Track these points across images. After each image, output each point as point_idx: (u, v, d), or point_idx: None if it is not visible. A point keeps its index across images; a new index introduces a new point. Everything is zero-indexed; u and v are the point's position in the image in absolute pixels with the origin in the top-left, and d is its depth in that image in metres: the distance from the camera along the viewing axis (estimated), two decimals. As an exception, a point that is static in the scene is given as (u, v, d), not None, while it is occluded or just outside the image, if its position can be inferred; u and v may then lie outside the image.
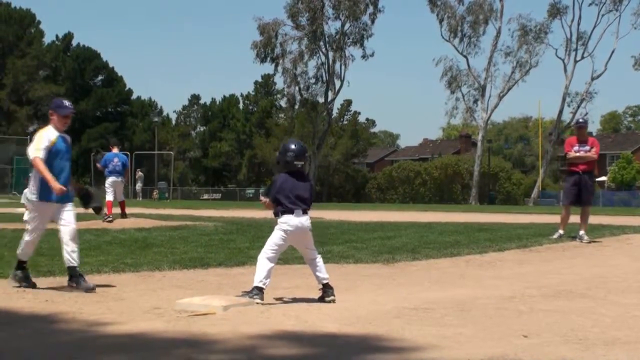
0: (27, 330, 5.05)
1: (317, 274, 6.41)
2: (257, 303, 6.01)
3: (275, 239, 6.30)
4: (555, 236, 12.59)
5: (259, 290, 6.14)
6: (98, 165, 17.17)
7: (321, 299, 6.33)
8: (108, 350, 4.42)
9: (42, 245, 10.76)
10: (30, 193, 7.22)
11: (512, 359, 4.18)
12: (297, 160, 6.39)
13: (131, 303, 6.17)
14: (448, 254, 10.37)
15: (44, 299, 6.36)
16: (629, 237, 13.39)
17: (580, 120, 13.26)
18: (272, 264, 6.28)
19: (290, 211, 6.26)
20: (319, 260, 6.46)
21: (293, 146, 6.47)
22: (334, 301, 6.28)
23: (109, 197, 16.81)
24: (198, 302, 5.88)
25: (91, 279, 7.54)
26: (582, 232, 12.50)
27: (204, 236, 12.70)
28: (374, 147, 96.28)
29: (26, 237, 7.14)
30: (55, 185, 6.70)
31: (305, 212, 6.33)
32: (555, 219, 22.76)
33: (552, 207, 46.75)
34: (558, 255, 10.83)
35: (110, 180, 16.91)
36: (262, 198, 6.60)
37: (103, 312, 5.73)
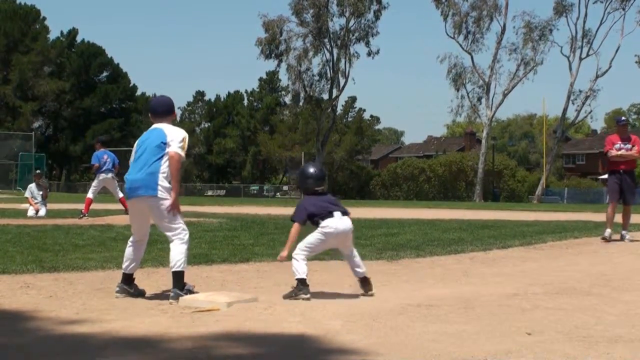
0: (30, 326, 5.07)
1: (353, 268, 6.55)
2: (305, 299, 6.11)
3: (311, 239, 6.39)
4: (606, 235, 12.31)
5: (302, 284, 6.22)
6: (94, 164, 17.14)
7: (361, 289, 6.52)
8: (112, 346, 4.43)
9: (46, 241, 10.82)
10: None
11: (515, 356, 4.18)
12: (317, 185, 6.60)
13: (135, 299, 6.19)
14: (452, 251, 10.36)
15: (48, 295, 6.38)
16: (633, 234, 13.36)
17: (623, 118, 13.02)
18: (305, 260, 6.37)
19: (330, 214, 6.39)
20: (354, 255, 6.57)
21: (312, 170, 6.68)
22: (371, 295, 6.41)
23: (90, 194, 16.90)
24: (202, 298, 5.88)
25: (95, 275, 7.58)
26: (624, 232, 12.42)
27: (208, 232, 12.71)
28: (378, 144, 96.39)
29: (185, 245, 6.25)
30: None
31: (345, 214, 6.46)
32: (559, 216, 22.83)
33: (557, 205, 46.73)
34: (562, 252, 10.81)
35: (100, 177, 16.98)
36: (296, 226, 6.46)
37: (107, 307, 5.74)
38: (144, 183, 6.11)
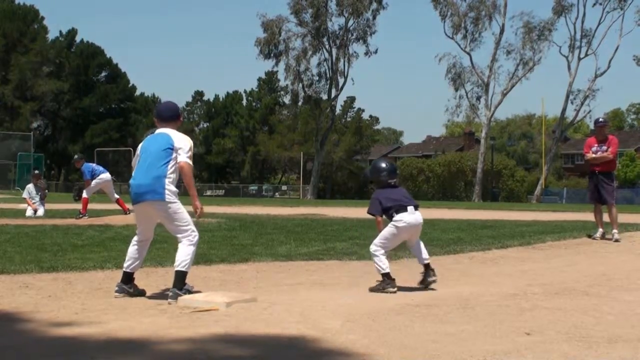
0: (29, 326, 5.06)
1: (419, 255, 6.96)
2: (392, 292, 6.51)
3: (386, 233, 6.79)
4: (597, 235, 12.58)
5: (388, 277, 6.59)
6: (87, 180, 17.17)
7: (423, 281, 6.90)
8: (111, 346, 4.43)
9: (44, 241, 10.81)
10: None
11: (514, 356, 4.18)
12: (390, 178, 6.95)
13: (134, 299, 6.18)
14: (451, 251, 10.36)
15: (47, 295, 6.37)
16: (632, 234, 13.37)
17: (601, 119, 13.13)
18: (384, 253, 6.77)
19: (404, 209, 6.73)
20: (420, 243, 6.97)
21: (384, 165, 7.05)
22: (434, 281, 6.81)
23: (87, 194, 16.91)
24: (201, 298, 5.88)
25: (94, 275, 7.57)
26: (614, 231, 12.50)
27: (207, 232, 12.68)
28: (377, 144, 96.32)
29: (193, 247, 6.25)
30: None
31: (416, 208, 6.83)
32: (558, 216, 22.88)
33: (555, 205, 46.72)
34: (561, 252, 10.82)
35: (102, 176, 17.06)
36: (378, 218, 6.90)
37: (106, 307, 5.74)
38: (151, 188, 6.11)
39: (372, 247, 6.78)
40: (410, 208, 6.77)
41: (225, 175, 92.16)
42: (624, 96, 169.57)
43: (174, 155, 6.18)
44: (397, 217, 6.71)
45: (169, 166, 6.16)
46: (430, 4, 60.36)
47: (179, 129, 6.49)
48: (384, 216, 6.86)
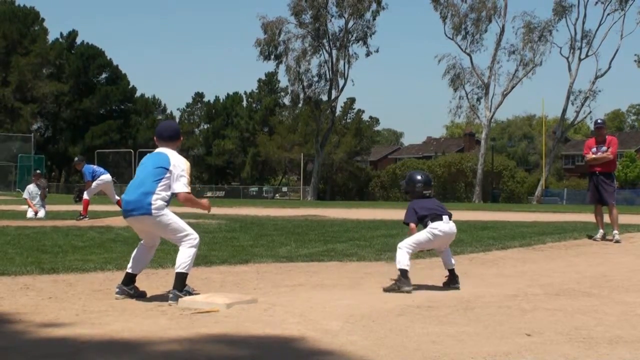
0: (30, 328, 5.06)
1: (447, 261, 7.10)
2: (407, 291, 6.53)
3: (420, 237, 6.88)
4: (598, 236, 12.60)
5: (405, 276, 6.62)
6: (88, 181, 17.14)
7: (447, 285, 7.04)
8: (111, 348, 4.42)
9: (45, 243, 10.82)
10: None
11: (515, 357, 4.18)
12: (425, 189, 7.15)
13: (135, 300, 6.18)
14: (451, 252, 10.33)
15: (47, 296, 6.37)
16: (632, 235, 13.37)
17: (599, 120, 13.14)
18: (410, 255, 6.82)
19: (440, 217, 6.89)
20: (449, 250, 7.14)
21: (419, 177, 7.23)
22: (458, 288, 6.92)
23: (87, 195, 16.89)
24: (201, 299, 5.88)
25: (95, 277, 7.57)
26: (614, 232, 12.50)
27: (208, 234, 12.69)
28: (377, 145, 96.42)
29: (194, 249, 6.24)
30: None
31: (450, 218, 6.98)
32: (558, 217, 22.90)
33: (556, 206, 46.69)
34: (561, 253, 10.81)
35: (103, 177, 17.05)
36: (412, 225, 7.03)
37: (106, 309, 5.74)
38: (138, 204, 6.12)
39: (402, 244, 6.83)
40: (445, 217, 6.92)
41: (225, 176, 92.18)
42: (624, 97, 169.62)
43: (167, 174, 6.18)
44: (433, 224, 6.86)
45: (160, 184, 6.15)
46: (430, 4, 60.46)
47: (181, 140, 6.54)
48: (418, 224, 7.00)
